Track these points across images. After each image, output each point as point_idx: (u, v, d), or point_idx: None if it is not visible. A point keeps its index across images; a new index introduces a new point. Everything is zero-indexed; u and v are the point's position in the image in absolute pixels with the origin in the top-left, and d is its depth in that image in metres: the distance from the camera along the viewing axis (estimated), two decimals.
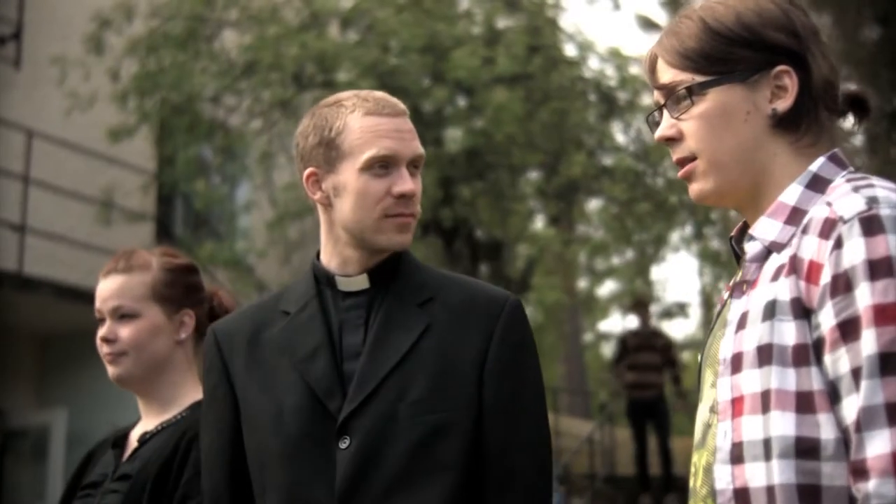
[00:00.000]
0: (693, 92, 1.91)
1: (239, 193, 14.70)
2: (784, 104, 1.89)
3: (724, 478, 1.80)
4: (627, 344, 13.28)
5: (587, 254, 14.72)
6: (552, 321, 16.87)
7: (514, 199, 13.04)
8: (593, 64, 13.61)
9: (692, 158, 1.94)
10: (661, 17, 27.85)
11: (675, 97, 1.94)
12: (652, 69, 2.00)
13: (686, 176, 1.96)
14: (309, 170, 2.46)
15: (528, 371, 2.43)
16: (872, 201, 1.70)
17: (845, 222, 1.70)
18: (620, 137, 13.45)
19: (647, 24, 26.90)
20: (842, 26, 16.53)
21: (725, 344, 1.86)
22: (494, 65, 11.78)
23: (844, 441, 1.68)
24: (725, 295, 2.02)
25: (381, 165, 2.39)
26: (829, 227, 1.72)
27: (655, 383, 13.02)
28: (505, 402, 2.35)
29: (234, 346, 2.49)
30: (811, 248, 1.74)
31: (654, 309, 19.15)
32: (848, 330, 1.67)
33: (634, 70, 12.72)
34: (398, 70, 11.86)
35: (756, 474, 1.75)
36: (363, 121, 2.41)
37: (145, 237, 12.76)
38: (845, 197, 1.74)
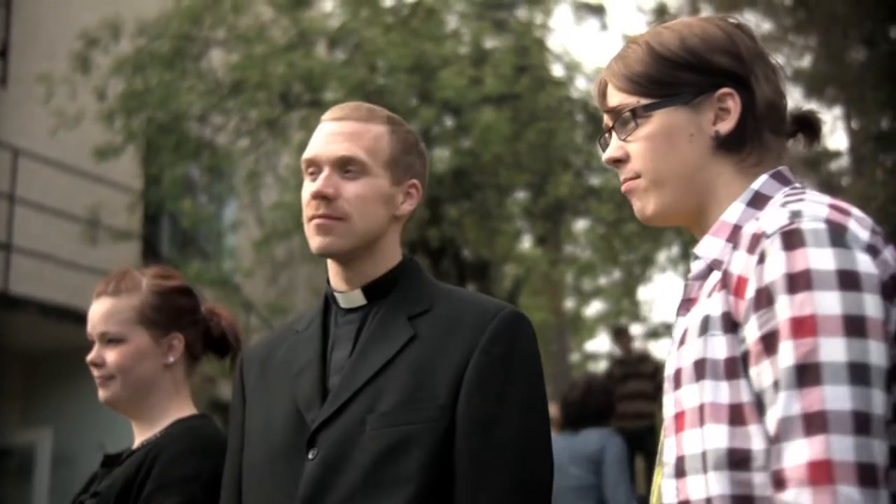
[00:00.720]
0: (637, 114, 1.95)
1: (226, 213, 14.70)
2: (726, 126, 1.92)
3: (670, 492, 1.83)
4: (613, 374, 12.36)
5: (574, 274, 14.77)
6: (539, 341, 16.83)
7: (501, 219, 13.05)
8: (581, 84, 13.68)
9: (637, 178, 1.98)
10: None
11: (621, 120, 1.98)
12: (602, 94, 2.05)
13: (628, 192, 2.00)
14: None
15: (514, 384, 2.29)
16: (795, 215, 1.73)
17: (768, 237, 1.72)
18: None
19: None
20: (828, 48, 16.60)
21: (670, 360, 1.90)
22: (482, 85, 11.80)
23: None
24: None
25: (311, 172, 2.39)
26: (755, 242, 1.75)
27: (647, 412, 12.05)
28: (479, 416, 2.23)
29: (251, 366, 2.52)
30: (740, 263, 1.77)
31: (639, 331, 19.01)
32: (770, 343, 1.68)
33: None
34: (385, 90, 11.86)
35: (696, 487, 1.77)
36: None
37: (132, 256, 12.72)
38: (772, 212, 1.78)
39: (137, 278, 2.92)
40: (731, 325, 1.76)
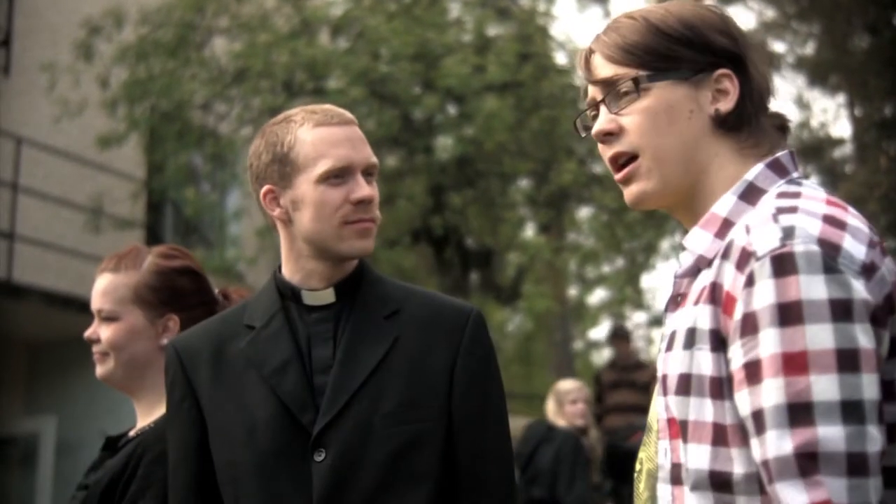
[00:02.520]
0: (640, 83, 1.87)
1: (229, 201, 14.67)
2: (726, 105, 1.86)
3: (666, 497, 1.81)
4: (602, 381, 11.02)
5: (577, 262, 14.73)
6: (542, 329, 16.88)
7: (505, 207, 13.04)
8: None
9: (632, 156, 1.90)
10: None
11: (616, 92, 1.90)
12: (587, 66, 1.96)
13: (626, 178, 1.92)
14: (265, 187, 2.47)
15: (494, 382, 2.50)
16: (787, 235, 1.64)
17: (758, 259, 1.64)
18: None
19: None
20: (831, 35, 16.58)
21: (659, 361, 1.86)
22: (485, 73, 11.79)
23: (758, 476, 1.66)
24: None
25: (337, 175, 2.41)
26: (744, 260, 1.67)
27: (639, 428, 10.04)
28: (474, 412, 2.43)
29: (196, 360, 2.49)
30: (729, 277, 1.70)
31: (642, 319, 18.68)
32: (751, 372, 1.63)
33: None
34: (388, 77, 11.85)
35: (694, 499, 1.74)
36: (314, 132, 2.43)
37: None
38: (763, 226, 1.68)
39: (142, 256, 2.91)
40: (720, 342, 1.71)
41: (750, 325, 1.63)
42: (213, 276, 11.89)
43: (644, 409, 10.15)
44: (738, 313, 1.65)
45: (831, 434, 1.56)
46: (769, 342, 1.60)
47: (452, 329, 2.46)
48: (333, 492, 2.29)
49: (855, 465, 1.55)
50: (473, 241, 14.00)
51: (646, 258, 14.76)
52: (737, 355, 1.66)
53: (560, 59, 13.80)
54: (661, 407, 1.83)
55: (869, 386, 1.58)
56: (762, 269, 1.63)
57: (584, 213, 14.73)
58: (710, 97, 1.87)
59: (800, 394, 1.57)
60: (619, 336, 11.43)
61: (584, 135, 2.01)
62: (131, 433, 2.86)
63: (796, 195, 1.76)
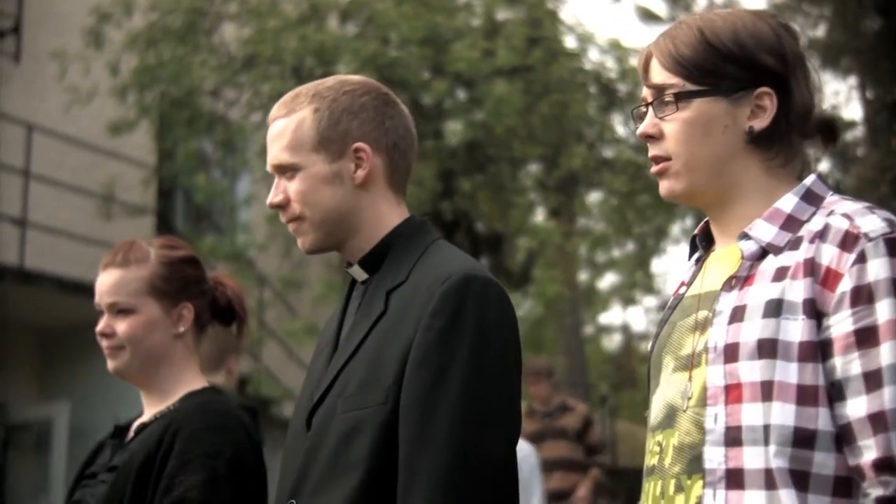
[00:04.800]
0: (679, 99, 2.03)
1: (239, 187, 14.70)
2: (761, 123, 2.02)
3: (716, 458, 1.92)
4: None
5: (588, 246, 14.76)
6: (553, 314, 16.87)
7: (515, 192, 13.05)
8: (593, 56, 13.62)
9: (667, 158, 2.06)
10: (661, 8, 27.80)
11: (661, 99, 2.06)
12: (646, 66, 2.12)
13: (659, 172, 2.08)
14: None
15: (456, 357, 2.13)
16: (892, 224, 1.88)
17: (870, 240, 1.86)
18: (621, 129, 13.46)
19: (648, 16, 26.89)
20: (843, 17, 16.52)
21: (717, 333, 1.97)
22: (494, 57, 11.79)
23: (838, 435, 1.85)
24: (682, 290, 2.18)
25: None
26: (851, 241, 1.88)
27: (567, 489, 8.31)
28: (418, 394, 2.12)
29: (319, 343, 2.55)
30: (829, 255, 1.89)
31: (653, 303, 18.63)
32: (865, 337, 1.83)
33: (635, 62, 12.71)
34: (398, 62, 11.85)
35: (754, 457, 1.88)
36: None
37: (146, 231, 12.75)
38: (864, 215, 1.91)
39: (145, 249, 2.92)
40: (815, 312, 1.88)
41: (864, 296, 1.84)
42: (223, 262, 11.91)
43: (579, 464, 8.40)
44: (846, 286, 1.86)
45: None
46: (886, 310, 1.82)
47: (427, 297, 2.18)
48: (300, 475, 2.25)
49: None
50: (483, 225, 14.03)
51: (656, 242, 14.78)
52: (844, 323, 1.85)
53: (569, 42, 13.79)
54: (717, 374, 1.94)
55: None
56: (876, 249, 1.86)
57: (594, 197, 14.74)
58: (748, 112, 2.02)
59: None
60: (536, 373, 8.51)
61: (633, 126, 2.20)
62: (144, 419, 2.88)
63: (860, 201, 1.98)
